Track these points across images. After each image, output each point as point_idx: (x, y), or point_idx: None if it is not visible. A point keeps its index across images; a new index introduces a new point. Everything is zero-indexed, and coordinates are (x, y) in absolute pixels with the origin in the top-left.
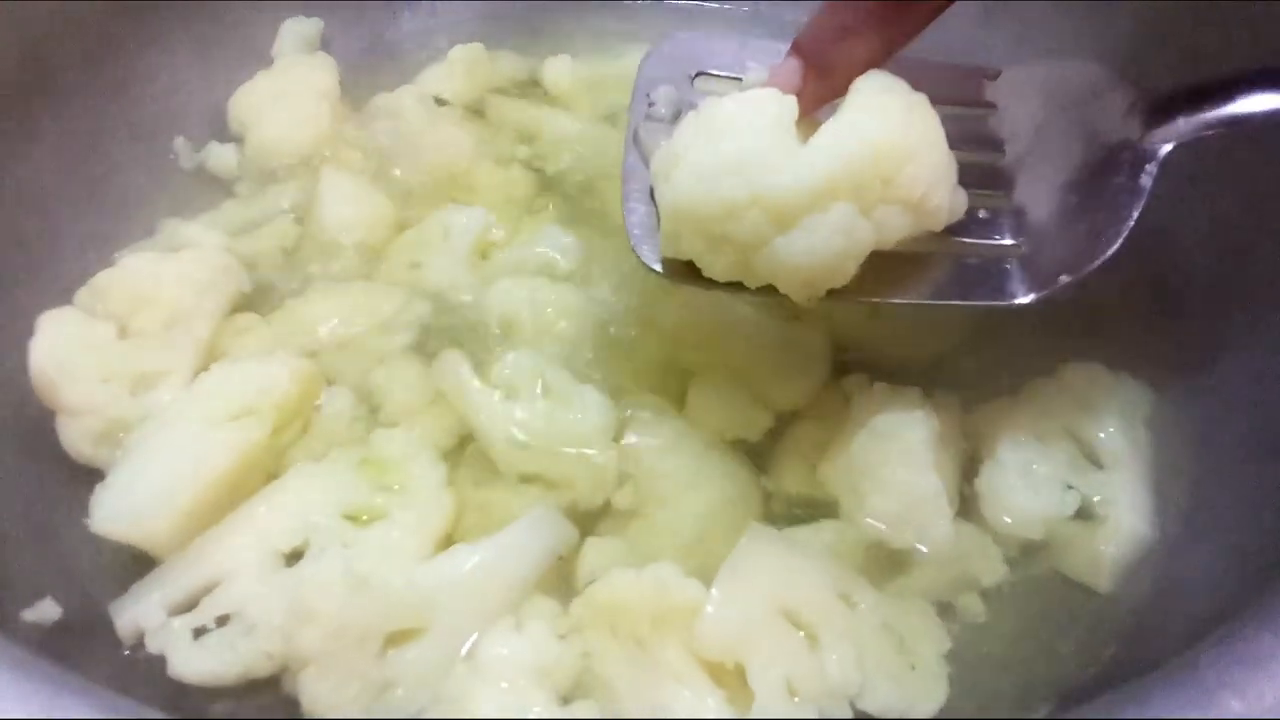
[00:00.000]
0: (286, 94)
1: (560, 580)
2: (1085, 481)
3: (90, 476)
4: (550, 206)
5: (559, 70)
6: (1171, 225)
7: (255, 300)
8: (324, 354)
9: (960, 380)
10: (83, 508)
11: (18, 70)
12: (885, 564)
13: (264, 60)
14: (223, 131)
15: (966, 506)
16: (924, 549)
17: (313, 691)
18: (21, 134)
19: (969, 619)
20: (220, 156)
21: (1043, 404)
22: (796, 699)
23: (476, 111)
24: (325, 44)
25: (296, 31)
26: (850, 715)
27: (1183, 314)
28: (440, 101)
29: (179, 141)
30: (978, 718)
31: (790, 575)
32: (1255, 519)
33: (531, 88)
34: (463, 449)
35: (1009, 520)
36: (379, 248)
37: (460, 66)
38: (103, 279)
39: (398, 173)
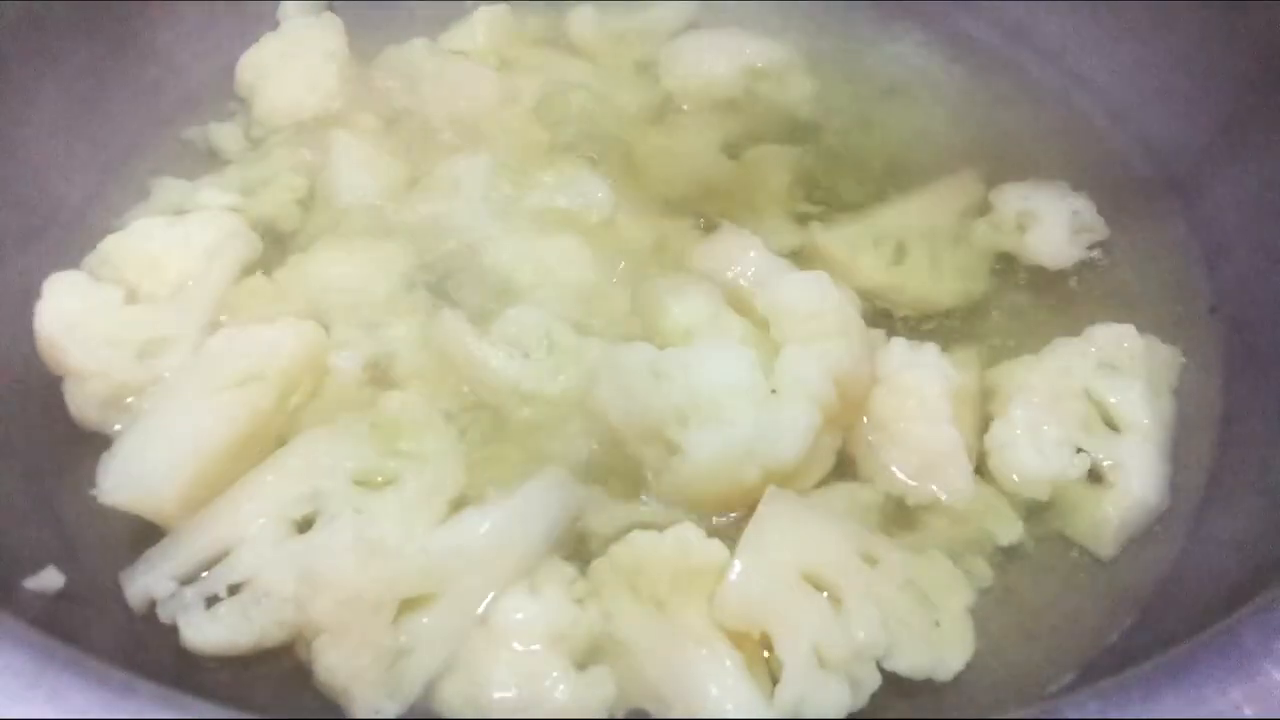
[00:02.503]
0: (293, 56)
1: (576, 542)
2: (1099, 445)
3: (96, 442)
4: (573, 156)
5: (584, 21)
6: (1211, 189)
7: (267, 260)
8: (331, 313)
9: (983, 335)
10: (88, 475)
11: (16, 31)
12: (901, 523)
13: (268, 20)
14: (228, 92)
15: (978, 463)
16: (944, 498)
17: (326, 659)
18: (21, 96)
19: (987, 585)
20: (224, 134)
21: (1065, 363)
22: (824, 666)
23: (496, 62)
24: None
25: None
26: (878, 677)
27: (1222, 282)
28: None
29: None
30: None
31: (811, 538)
32: None
33: (556, 47)
34: (471, 406)
35: (1016, 479)
36: (391, 208)
37: (483, 25)
38: (111, 244)
39: (411, 126)
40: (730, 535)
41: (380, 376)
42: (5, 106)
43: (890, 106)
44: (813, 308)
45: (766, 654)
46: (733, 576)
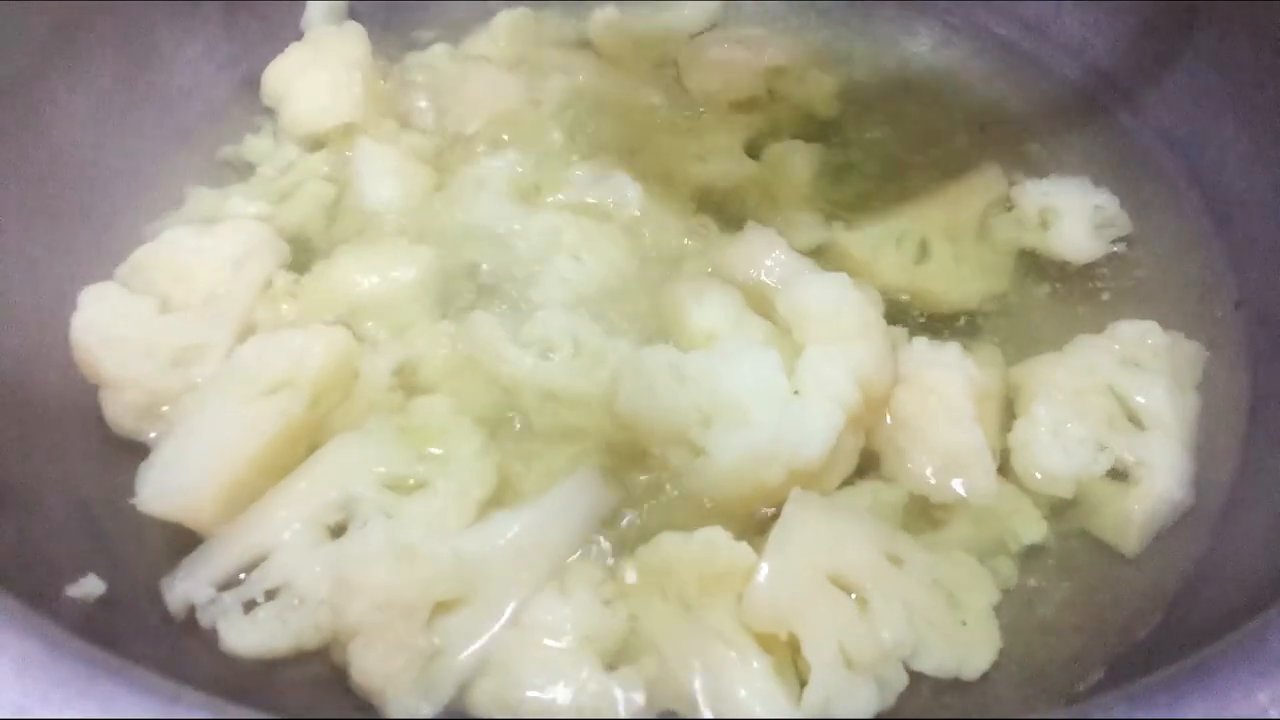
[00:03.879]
0: (318, 65)
1: (604, 543)
2: (1122, 442)
3: (132, 450)
4: (599, 155)
5: (604, 22)
6: (1236, 184)
7: (296, 267)
8: (359, 318)
9: (1006, 332)
10: (125, 483)
11: (47, 43)
12: (924, 522)
13: (292, 30)
14: (254, 102)
15: (1001, 462)
16: (967, 497)
17: (361, 661)
18: (53, 109)
19: (1012, 584)
20: (252, 143)
21: (1088, 360)
22: (852, 667)
23: (518, 65)
24: (351, 7)
25: (324, 2)
26: (905, 677)
27: (1247, 278)
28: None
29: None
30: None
31: (837, 540)
32: None
33: (578, 49)
34: (500, 408)
35: (1039, 477)
36: (418, 213)
37: (505, 30)
38: (143, 254)
39: (435, 131)
40: (751, 532)
41: (409, 380)
42: (38, 119)
43: (911, 103)
44: (834, 309)
45: (794, 655)
46: (760, 579)
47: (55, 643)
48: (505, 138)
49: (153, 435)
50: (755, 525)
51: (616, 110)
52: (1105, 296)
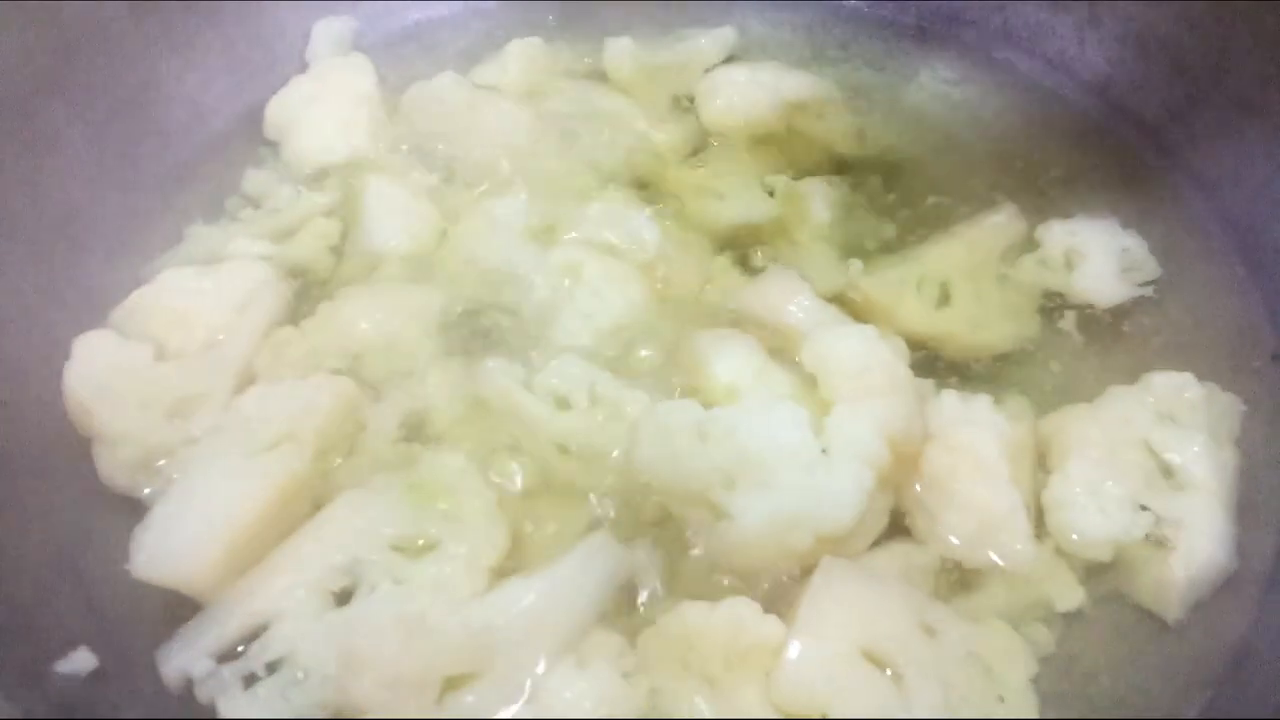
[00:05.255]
0: (323, 99)
1: (624, 611)
2: (1161, 502)
3: (127, 507)
4: (615, 192)
5: (619, 54)
6: (1270, 230)
7: (300, 310)
8: (364, 365)
9: (1034, 382)
10: (118, 543)
11: (40, 75)
12: (958, 587)
13: (295, 62)
14: (256, 136)
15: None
16: (1003, 563)
17: None
18: (48, 143)
19: (1049, 652)
20: (255, 179)
21: (1122, 413)
22: None
23: (530, 96)
24: (356, 37)
25: (329, 33)
26: None
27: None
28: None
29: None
30: None
31: (869, 611)
32: None
33: (592, 81)
34: (512, 458)
35: (1076, 539)
36: (425, 256)
37: (516, 60)
38: (139, 297)
39: (444, 166)
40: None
41: (416, 432)
42: (32, 153)
43: (930, 140)
44: (863, 365)
45: None
46: (791, 657)
47: None
48: (517, 173)
49: (148, 491)
50: (779, 589)
51: (632, 144)
52: (1135, 345)
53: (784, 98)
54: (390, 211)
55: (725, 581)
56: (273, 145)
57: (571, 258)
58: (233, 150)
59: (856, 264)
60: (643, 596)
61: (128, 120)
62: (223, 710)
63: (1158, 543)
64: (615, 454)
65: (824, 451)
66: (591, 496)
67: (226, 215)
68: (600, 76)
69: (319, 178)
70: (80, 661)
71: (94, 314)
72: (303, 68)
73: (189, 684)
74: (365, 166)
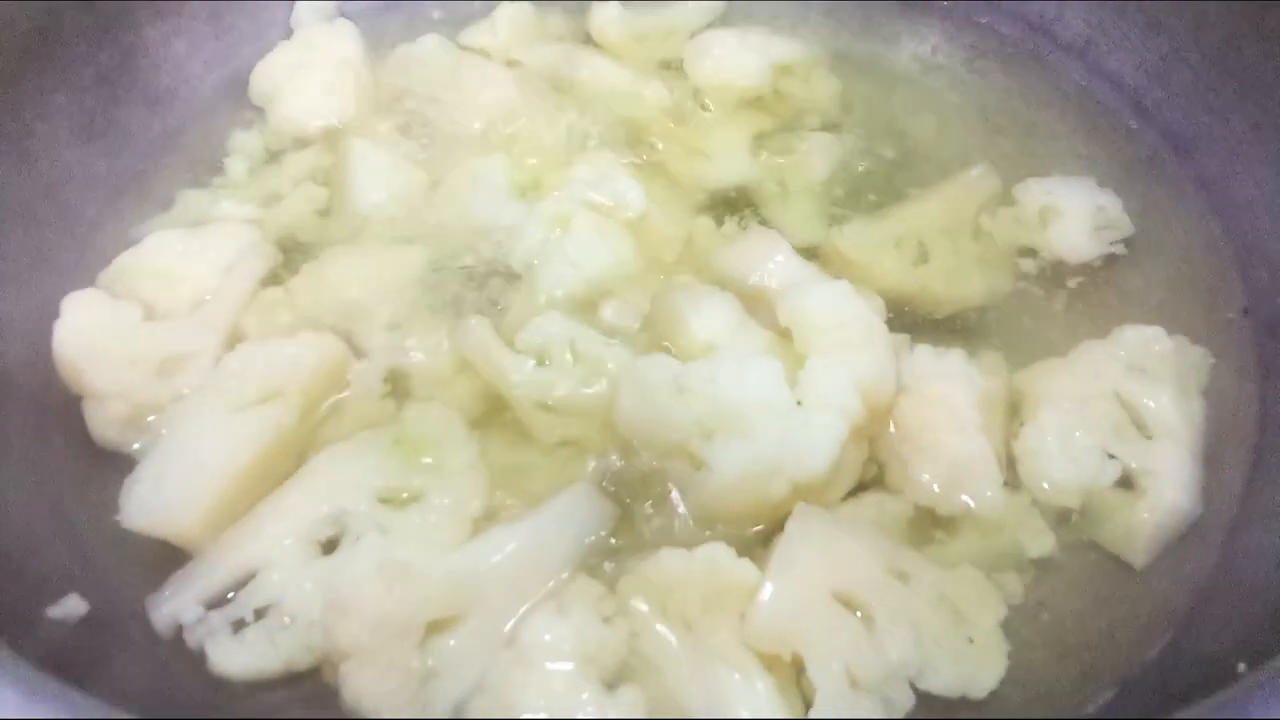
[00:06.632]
0: (309, 64)
1: (603, 558)
2: (1129, 450)
3: (116, 462)
4: (601, 153)
5: (607, 18)
6: (1244, 188)
7: (286, 269)
8: (349, 323)
9: (1008, 337)
10: (109, 496)
11: (27, 43)
12: (929, 534)
13: (280, 27)
14: (242, 101)
15: (1006, 471)
16: (974, 508)
17: (354, 683)
18: (33, 109)
19: (1019, 599)
20: (241, 143)
21: (1093, 366)
22: (857, 688)
23: (517, 59)
24: (341, 3)
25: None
26: (911, 697)
27: (1255, 284)
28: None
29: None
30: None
31: (841, 556)
32: None
33: (579, 44)
34: (493, 414)
35: (1047, 487)
36: (411, 216)
37: (504, 24)
38: (126, 259)
39: (429, 128)
40: (753, 545)
41: (401, 387)
42: (18, 120)
43: (913, 103)
44: (837, 319)
45: (798, 676)
46: (764, 598)
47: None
48: (503, 134)
49: (137, 446)
50: (756, 539)
51: (619, 106)
52: (1109, 301)
53: (772, 60)
54: (375, 173)
55: (705, 532)
56: (259, 110)
57: (562, 209)
58: (219, 116)
59: (837, 224)
60: (621, 544)
61: (114, 86)
62: (212, 653)
63: (1127, 490)
64: (595, 408)
65: (799, 404)
66: (573, 448)
67: (213, 180)
68: (587, 40)
69: (305, 142)
70: (71, 607)
71: (83, 275)
72: (288, 34)
73: (179, 630)
74: (351, 130)
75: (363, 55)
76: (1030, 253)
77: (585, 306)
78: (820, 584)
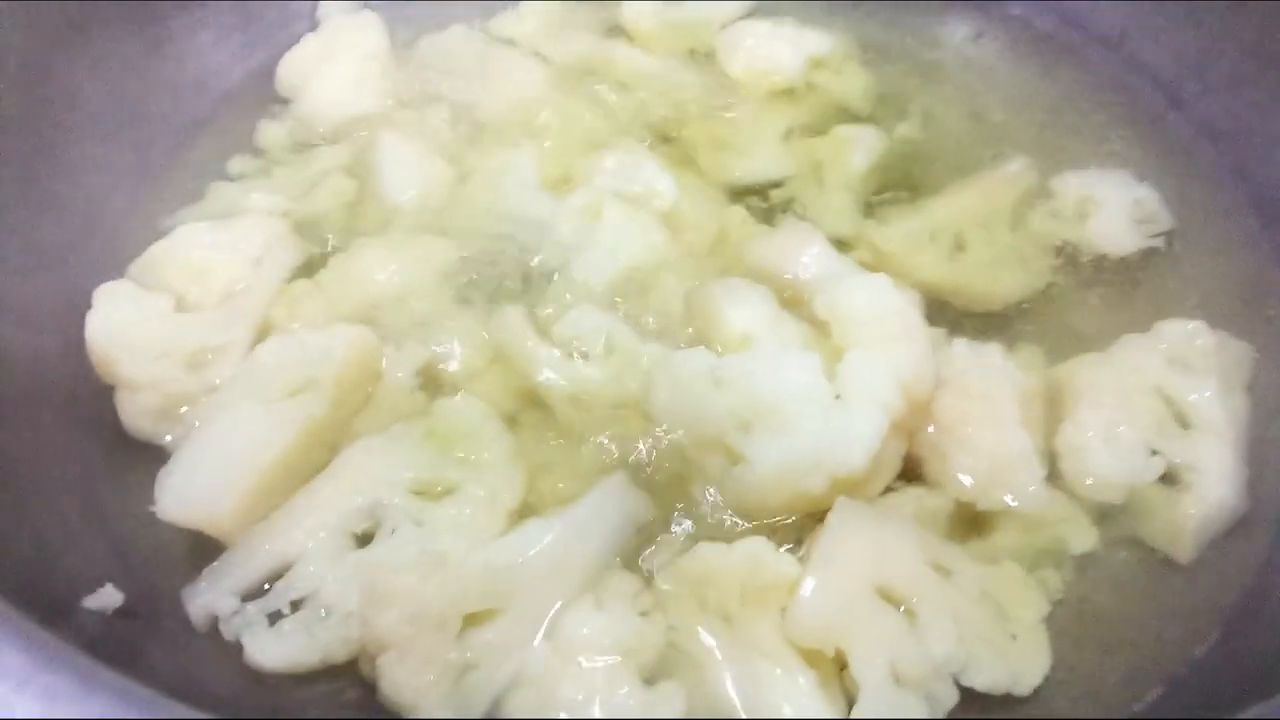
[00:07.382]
0: (335, 56)
1: (641, 552)
2: (1173, 446)
3: (149, 453)
4: (633, 143)
5: (638, 7)
6: (1276, 177)
7: (316, 264)
8: (380, 315)
9: (1048, 331)
10: (142, 487)
11: (57, 34)
12: (970, 529)
13: (306, 19)
14: (269, 92)
15: (1048, 466)
16: (1015, 505)
17: (392, 676)
18: (63, 101)
19: (1061, 595)
20: (270, 135)
21: (1134, 360)
22: (902, 684)
23: (546, 49)
24: None
25: None
26: (955, 693)
27: None
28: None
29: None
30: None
31: (884, 551)
32: None
33: (609, 32)
34: (527, 406)
35: (1090, 482)
36: (440, 209)
37: (533, 13)
38: (157, 251)
39: (457, 119)
40: (789, 536)
41: (433, 380)
42: (48, 111)
43: (946, 96)
44: (876, 313)
45: (840, 671)
46: (805, 593)
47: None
48: (532, 125)
49: (170, 438)
50: (794, 532)
51: (649, 97)
52: (1148, 295)
53: (805, 53)
54: (403, 165)
55: (742, 526)
56: (285, 102)
57: (594, 200)
58: (246, 107)
59: (871, 219)
60: (660, 538)
61: (141, 77)
62: (248, 645)
63: (1170, 485)
64: (630, 401)
65: (838, 397)
66: (608, 442)
67: (241, 172)
68: (618, 30)
69: (332, 134)
70: (107, 598)
71: (113, 266)
72: (314, 25)
73: (214, 621)
74: (378, 122)
75: (389, 46)
76: (1069, 247)
77: (621, 298)
78: (862, 578)
